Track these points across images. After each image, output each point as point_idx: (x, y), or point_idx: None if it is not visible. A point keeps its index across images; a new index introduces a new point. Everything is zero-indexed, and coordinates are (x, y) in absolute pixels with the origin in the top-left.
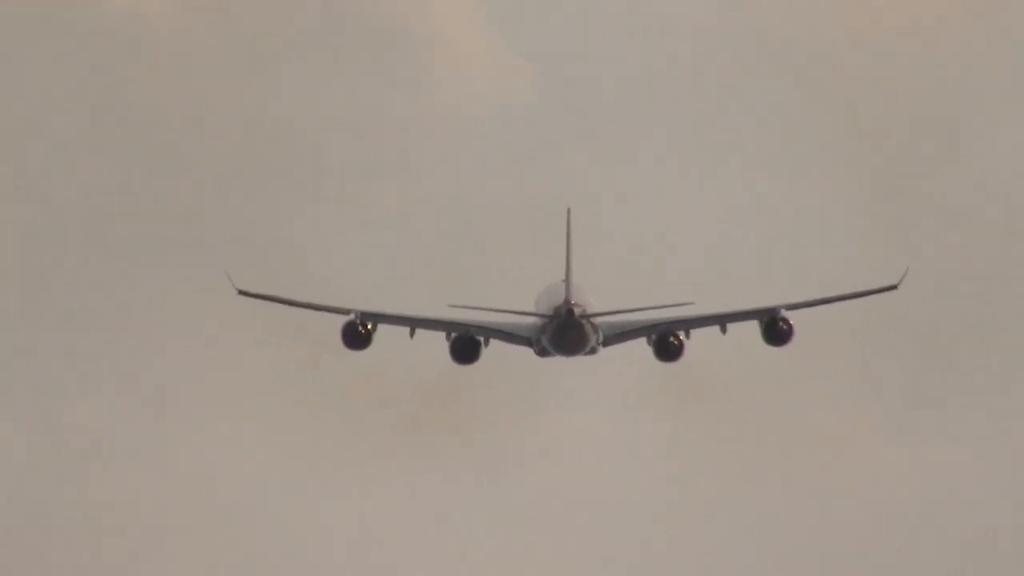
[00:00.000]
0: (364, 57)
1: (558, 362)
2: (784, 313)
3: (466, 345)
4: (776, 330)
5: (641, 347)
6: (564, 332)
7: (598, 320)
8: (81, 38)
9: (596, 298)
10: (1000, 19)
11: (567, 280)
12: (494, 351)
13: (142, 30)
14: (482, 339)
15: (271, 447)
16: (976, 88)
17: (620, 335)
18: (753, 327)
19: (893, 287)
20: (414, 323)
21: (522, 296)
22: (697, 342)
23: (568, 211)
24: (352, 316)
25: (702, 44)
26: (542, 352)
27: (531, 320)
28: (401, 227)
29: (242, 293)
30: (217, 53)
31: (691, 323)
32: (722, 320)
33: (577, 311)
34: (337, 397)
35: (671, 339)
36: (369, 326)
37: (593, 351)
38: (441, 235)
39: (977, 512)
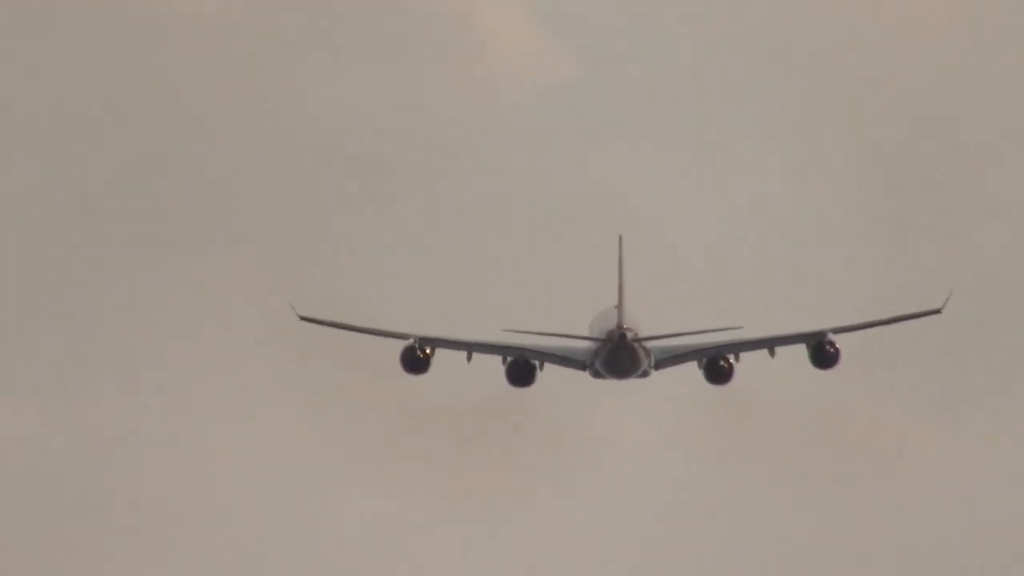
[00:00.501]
0: (414, 66)
1: (612, 385)
2: (831, 336)
3: (522, 369)
4: (823, 353)
5: (692, 370)
6: (617, 355)
7: (650, 344)
8: (130, 34)
9: (647, 321)
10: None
11: (619, 305)
12: (548, 375)
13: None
14: (537, 363)
15: (335, 467)
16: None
17: (671, 358)
18: (801, 351)
19: (937, 311)
20: (471, 347)
21: (576, 320)
22: (746, 363)
23: (620, 238)
24: (411, 341)
25: (754, 36)
26: (596, 375)
27: (585, 344)
28: (455, 251)
29: (304, 319)
30: (247, 50)
31: (740, 347)
32: (771, 344)
33: (630, 335)
34: (396, 419)
35: (721, 363)
36: (428, 350)
37: (646, 374)
38: (496, 260)
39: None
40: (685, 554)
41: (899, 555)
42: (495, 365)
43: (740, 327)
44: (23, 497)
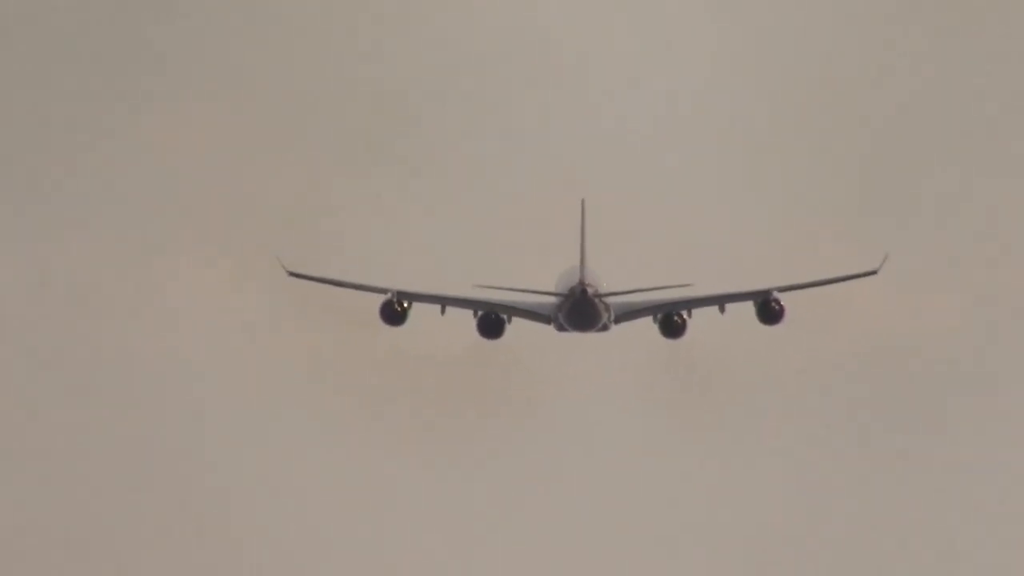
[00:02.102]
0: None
1: (574, 337)
2: (776, 295)
3: (492, 322)
4: (769, 310)
5: (648, 325)
6: (579, 310)
7: (610, 300)
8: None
9: (608, 281)
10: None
11: (582, 264)
12: (516, 327)
13: None
14: (506, 317)
15: (315, 412)
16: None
17: (629, 314)
18: (749, 308)
19: (873, 272)
20: (445, 302)
21: (543, 278)
22: (697, 320)
23: (583, 201)
24: (389, 295)
25: (708, 40)
26: (560, 328)
27: (550, 299)
28: (434, 213)
29: (292, 275)
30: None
31: (693, 303)
32: (721, 301)
33: (590, 291)
34: (375, 368)
35: (675, 318)
36: (405, 304)
37: (605, 328)
38: (469, 221)
39: (974, 485)
40: (641, 491)
41: (835, 491)
42: (467, 318)
43: (691, 285)
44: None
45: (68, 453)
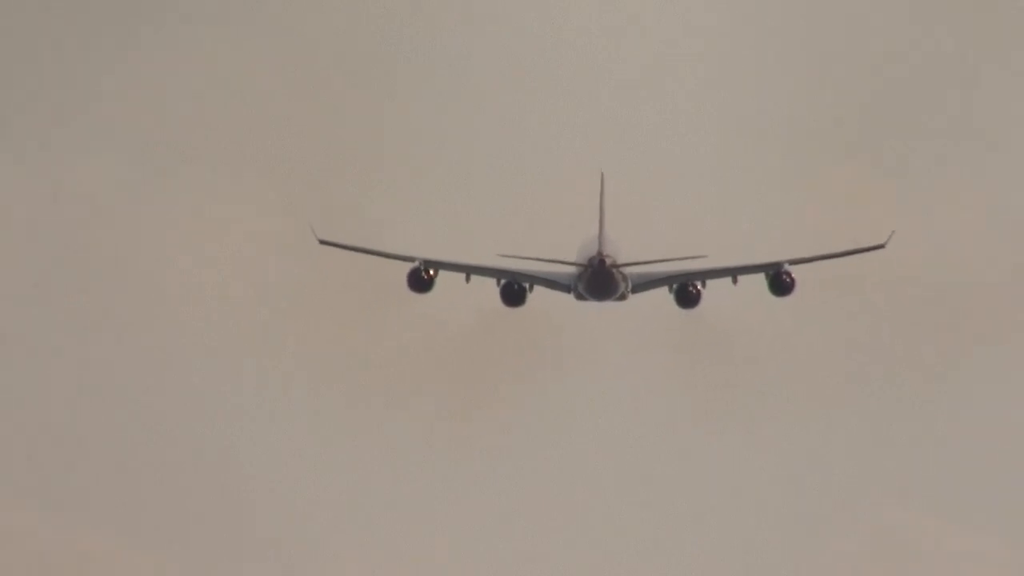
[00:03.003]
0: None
1: (593, 306)
2: (787, 267)
3: (514, 291)
4: (780, 282)
5: (664, 295)
6: (597, 280)
7: (627, 270)
8: None
9: (626, 252)
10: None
11: (600, 234)
12: (537, 296)
13: None
14: (528, 285)
15: (343, 376)
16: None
17: (646, 284)
18: (760, 279)
19: (881, 246)
20: (470, 270)
21: (563, 248)
22: (712, 291)
23: (602, 175)
24: (417, 263)
25: (728, 19)
26: (579, 297)
27: (570, 269)
28: (460, 186)
29: (323, 243)
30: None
31: (707, 275)
32: (734, 272)
33: (608, 261)
34: (402, 333)
35: (690, 289)
36: (431, 272)
37: (623, 297)
38: (493, 193)
39: (970, 443)
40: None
41: (850, 463)
42: (491, 287)
43: (705, 256)
44: None
45: (92, 403)
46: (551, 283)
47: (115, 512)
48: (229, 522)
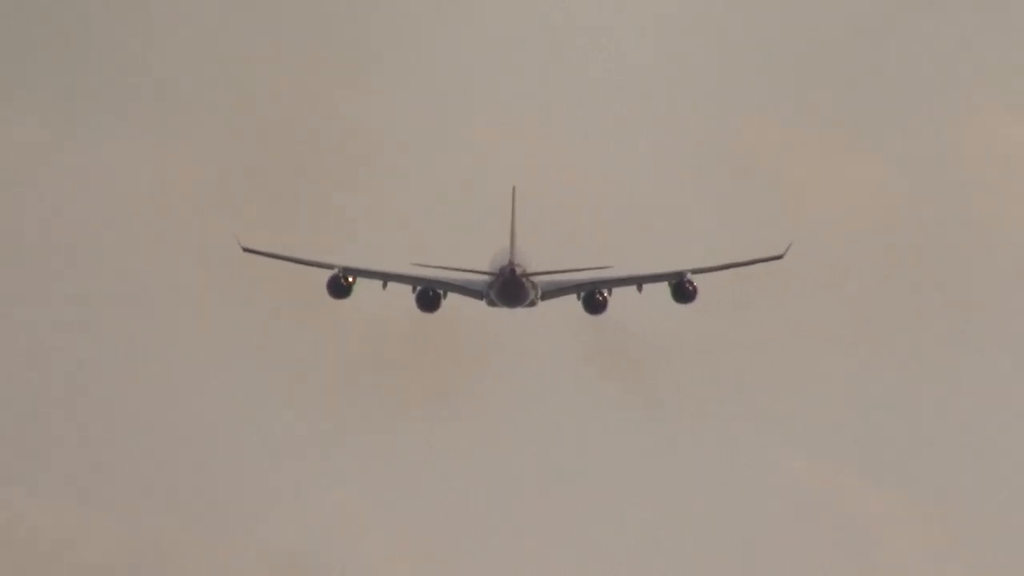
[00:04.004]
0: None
1: (504, 312)
2: (689, 276)
3: (429, 297)
4: (683, 290)
5: (571, 302)
6: (507, 288)
7: (537, 279)
8: None
9: (536, 261)
10: None
11: (512, 245)
12: (451, 302)
13: None
14: (442, 292)
15: (263, 377)
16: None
17: (555, 291)
18: (664, 288)
19: (779, 257)
20: (387, 277)
21: (477, 258)
22: (617, 298)
23: (513, 189)
24: (336, 271)
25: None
26: (491, 304)
27: (482, 277)
28: (379, 200)
29: (247, 250)
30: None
31: (614, 283)
32: (639, 281)
33: (519, 270)
34: (321, 337)
35: (597, 296)
36: (350, 279)
37: (533, 304)
38: (411, 206)
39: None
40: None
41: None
42: (407, 293)
43: (610, 267)
44: None
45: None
46: (464, 290)
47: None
48: (129, 524)
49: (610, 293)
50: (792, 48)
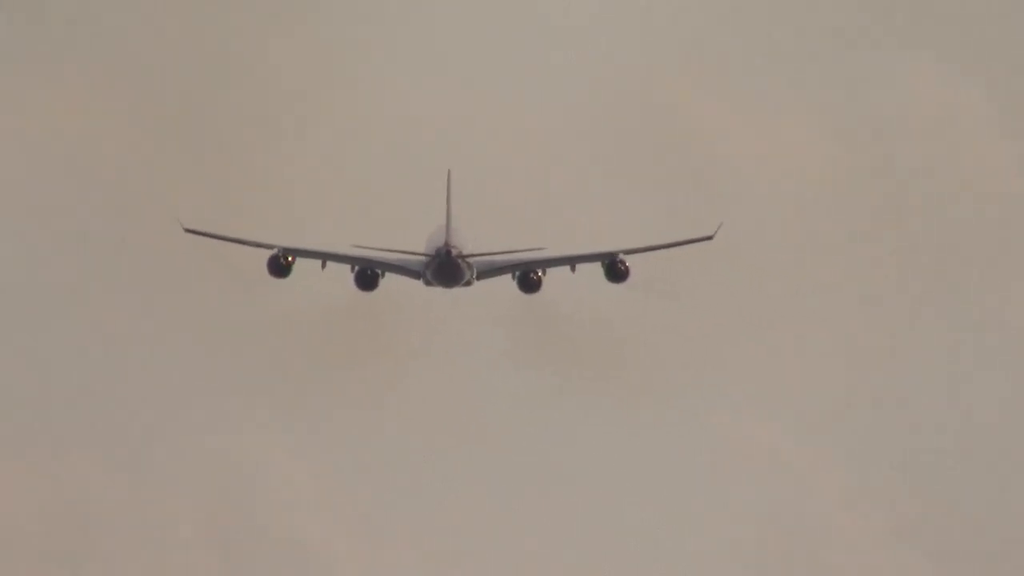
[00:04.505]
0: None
1: (441, 292)
2: (622, 256)
3: (367, 277)
4: (616, 270)
5: (507, 282)
6: (443, 268)
7: (472, 259)
8: None
9: (472, 242)
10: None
11: (447, 226)
12: (389, 282)
13: None
14: (380, 272)
15: (201, 357)
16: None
17: (490, 271)
18: (597, 268)
19: (709, 238)
20: (326, 257)
21: (413, 238)
22: (551, 278)
23: (448, 172)
24: (276, 251)
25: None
26: (428, 283)
27: (419, 258)
28: (319, 182)
29: (188, 231)
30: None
31: (548, 263)
32: (573, 261)
33: (454, 252)
34: (260, 317)
35: (532, 275)
36: (290, 259)
37: (469, 284)
38: (350, 188)
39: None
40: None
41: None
42: (346, 273)
43: (544, 248)
44: None
45: None
46: (402, 270)
47: None
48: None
49: (544, 273)
50: (732, 29)
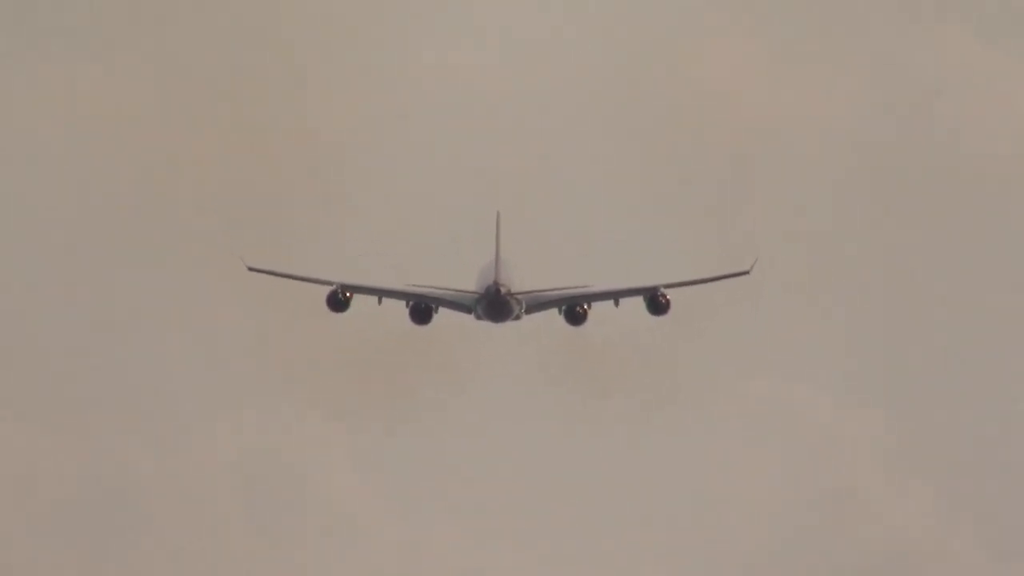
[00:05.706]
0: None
1: (491, 325)
2: (663, 290)
3: (422, 311)
4: (657, 303)
5: (554, 316)
6: (493, 305)
7: (521, 295)
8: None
9: (523, 275)
10: None
11: (496, 265)
12: (442, 317)
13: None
14: (434, 307)
15: (269, 387)
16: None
17: (538, 306)
18: (639, 301)
19: (746, 272)
20: (382, 293)
21: (465, 276)
22: (596, 312)
23: (498, 213)
24: (335, 287)
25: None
26: (479, 318)
27: (471, 295)
28: (373, 215)
29: (252, 269)
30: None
31: (593, 297)
32: (616, 295)
33: (503, 290)
34: (321, 348)
35: (577, 309)
36: (348, 295)
37: (518, 318)
38: (405, 228)
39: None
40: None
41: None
42: (401, 308)
43: (589, 285)
44: None
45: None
46: (454, 304)
47: None
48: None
49: (590, 307)
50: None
